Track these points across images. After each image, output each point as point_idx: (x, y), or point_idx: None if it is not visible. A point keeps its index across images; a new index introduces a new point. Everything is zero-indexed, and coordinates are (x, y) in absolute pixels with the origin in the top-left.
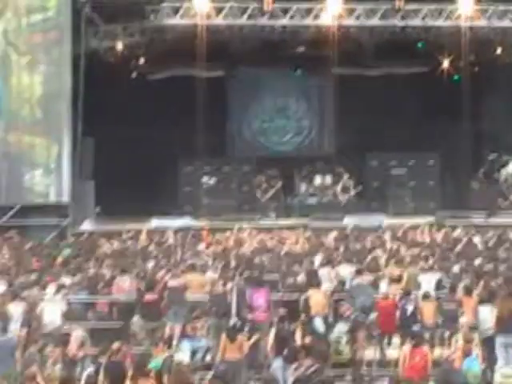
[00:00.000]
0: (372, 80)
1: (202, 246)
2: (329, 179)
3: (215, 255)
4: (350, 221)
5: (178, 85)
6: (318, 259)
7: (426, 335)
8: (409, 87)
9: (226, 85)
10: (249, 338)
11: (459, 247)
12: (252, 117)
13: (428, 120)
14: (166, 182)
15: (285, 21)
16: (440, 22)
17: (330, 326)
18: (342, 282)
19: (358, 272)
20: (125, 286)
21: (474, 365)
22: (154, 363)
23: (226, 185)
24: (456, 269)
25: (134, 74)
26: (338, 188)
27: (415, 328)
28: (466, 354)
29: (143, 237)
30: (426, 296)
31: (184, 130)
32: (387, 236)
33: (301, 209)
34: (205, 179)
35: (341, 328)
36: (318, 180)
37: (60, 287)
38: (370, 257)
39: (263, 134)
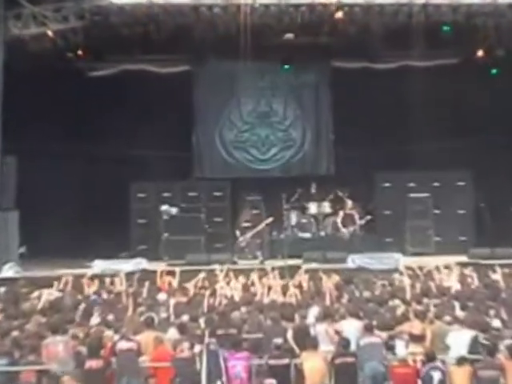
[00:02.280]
0: (383, 76)
1: (161, 296)
2: (327, 207)
3: (179, 308)
4: (355, 261)
5: (128, 84)
6: (313, 312)
7: None
8: (431, 85)
9: (192, 83)
10: None
11: (500, 295)
12: (226, 125)
13: (457, 128)
14: (113, 213)
15: None
16: None
17: None
18: (345, 343)
19: (367, 329)
20: (58, 350)
21: None
22: None
23: (192, 215)
24: (496, 324)
25: (70, 70)
26: (339, 218)
27: None
28: None
29: (84, 285)
30: (459, 361)
31: (137, 143)
32: (405, 281)
33: (291, 246)
34: (164, 208)
35: None
36: (312, 208)
37: None
38: (382, 309)
39: (240, 147)
